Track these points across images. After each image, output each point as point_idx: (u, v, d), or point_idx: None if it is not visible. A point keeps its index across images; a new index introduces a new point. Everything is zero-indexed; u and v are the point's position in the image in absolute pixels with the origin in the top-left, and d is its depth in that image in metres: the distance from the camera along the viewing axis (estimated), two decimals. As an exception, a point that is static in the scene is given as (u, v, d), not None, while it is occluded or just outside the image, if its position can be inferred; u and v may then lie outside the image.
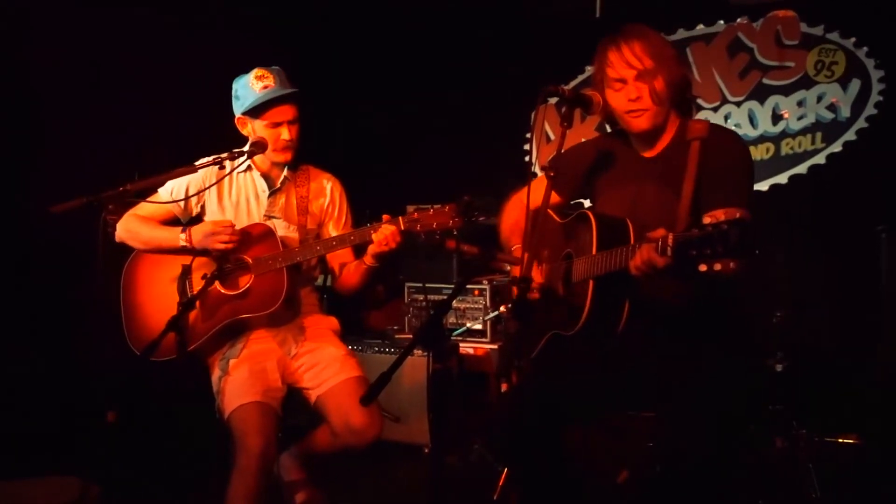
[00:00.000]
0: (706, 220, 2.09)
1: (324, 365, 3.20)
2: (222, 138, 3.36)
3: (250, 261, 3.15)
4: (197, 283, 3.06)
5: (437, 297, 5.27)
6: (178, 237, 3.19)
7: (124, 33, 4.56)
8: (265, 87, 3.18)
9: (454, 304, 5.29)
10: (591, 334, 2.56)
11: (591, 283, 2.53)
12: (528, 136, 6.21)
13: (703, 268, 2.09)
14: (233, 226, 3.13)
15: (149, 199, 3.10)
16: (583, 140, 3.06)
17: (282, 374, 3.19)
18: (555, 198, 2.95)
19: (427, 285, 5.36)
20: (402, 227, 3.04)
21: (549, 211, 2.92)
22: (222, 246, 3.10)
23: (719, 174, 2.52)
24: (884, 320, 4.56)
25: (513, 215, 3.07)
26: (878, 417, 4.47)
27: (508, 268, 3.02)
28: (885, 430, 4.38)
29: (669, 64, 2.62)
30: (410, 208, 5.69)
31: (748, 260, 2.07)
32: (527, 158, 6.19)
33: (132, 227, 3.27)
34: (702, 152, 2.55)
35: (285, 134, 3.20)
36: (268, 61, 3.31)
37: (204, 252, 3.16)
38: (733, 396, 2.52)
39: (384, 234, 3.03)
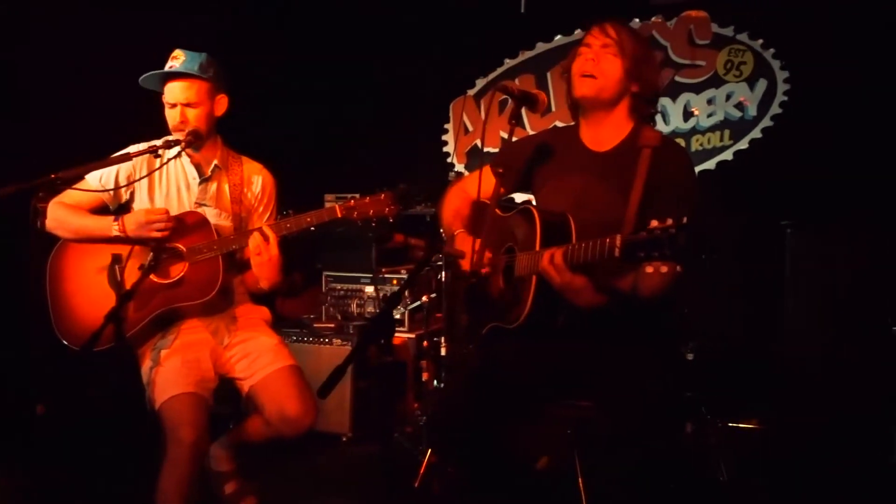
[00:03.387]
0: (654, 223, 2.16)
1: (256, 355, 3.18)
2: (158, 124, 3.30)
3: (184, 249, 3.11)
4: (129, 273, 3.01)
5: (353, 287, 5.33)
6: (111, 226, 3.12)
7: (58, 15, 4.42)
8: (170, 68, 3.17)
9: (373, 292, 5.33)
10: (532, 328, 2.62)
11: (534, 277, 2.58)
12: (446, 126, 6.27)
13: (649, 269, 2.17)
14: (167, 212, 3.09)
15: (77, 186, 3.02)
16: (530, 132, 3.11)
17: (214, 364, 3.16)
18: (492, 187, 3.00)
19: (345, 274, 5.38)
20: (340, 215, 3.08)
21: (487, 202, 2.98)
22: (158, 234, 3.05)
23: (668, 184, 2.59)
24: (786, 312, 4.77)
25: (454, 203, 3.09)
26: (778, 403, 4.71)
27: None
28: (785, 415, 4.62)
29: (639, 58, 2.69)
30: (329, 197, 5.77)
31: (692, 263, 2.15)
32: (444, 149, 6.24)
33: (60, 215, 3.18)
34: (652, 160, 2.60)
35: (176, 116, 3.16)
36: (192, 47, 3.27)
37: (138, 241, 3.11)
38: (666, 382, 2.62)
39: (256, 241, 3.07)
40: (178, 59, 3.17)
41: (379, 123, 6.17)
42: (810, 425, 4.50)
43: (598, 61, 2.68)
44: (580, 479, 3.47)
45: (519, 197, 3.25)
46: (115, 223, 3.13)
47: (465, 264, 2.73)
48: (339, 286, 5.42)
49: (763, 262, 5.01)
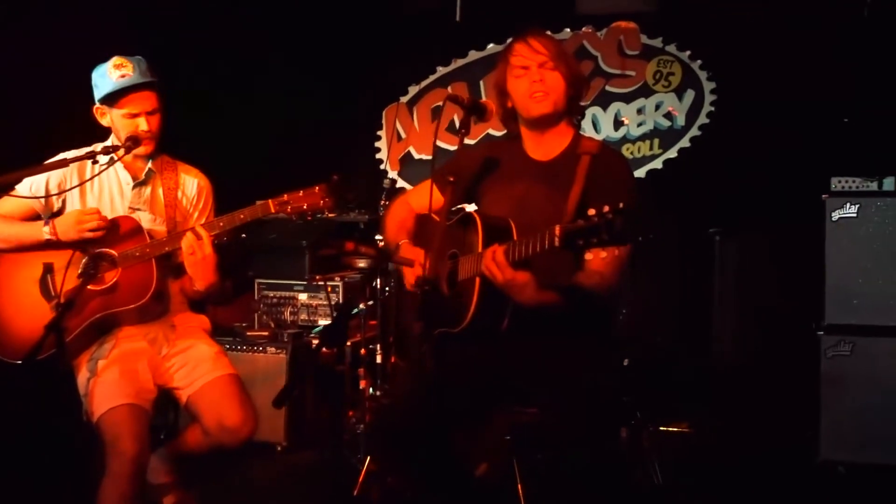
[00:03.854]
0: (591, 211, 2.21)
1: (195, 364, 3.13)
2: (79, 130, 3.25)
3: (116, 254, 3.04)
4: (62, 282, 2.93)
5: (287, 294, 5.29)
6: (41, 231, 3.04)
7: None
8: (122, 76, 3.08)
9: (307, 300, 5.29)
10: (477, 330, 2.63)
11: (477, 279, 2.60)
12: (379, 133, 6.26)
13: (589, 256, 2.23)
14: (98, 212, 3.02)
15: (10, 194, 2.93)
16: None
17: (153, 374, 3.09)
18: (441, 201, 3.01)
19: (278, 281, 5.33)
20: (274, 210, 3.04)
21: (432, 214, 3.00)
22: (90, 234, 2.98)
23: (607, 185, 2.64)
24: (714, 317, 4.90)
25: (398, 215, 3.13)
26: (708, 407, 4.82)
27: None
28: (714, 419, 4.73)
29: (570, 63, 2.79)
30: (259, 203, 5.68)
31: (632, 247, 2.20)
32: (377, 156, 6.24)
33: None
34: (591, 165, 2.68)
35: (143, 125, 3.09)
36: (122, 51, 3.22)
37: (72, 244, 3.02)
38: (609, 383, 2.67)
39: (189, 241, 3.00)
40: (127, 68, 3.09)
41: (311, 130, 6.12)
42: (739, 428, 4.63)
43: (544, 79, 2.74)
44: (519, 486, 3.52)
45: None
46: (46, 226, 3.04)
47: (415, 272, 2.74)
48: (271, 293, 5.36)
49: (693, 268, 5.12)
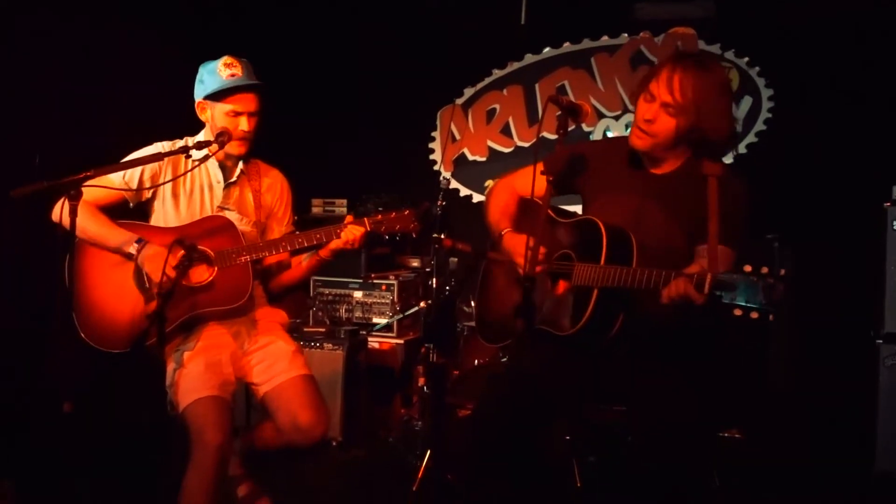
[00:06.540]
0: (747, 268, 2.17)
1: (272, 360, 3.21)
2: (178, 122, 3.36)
3: (212, 253, 3.10)
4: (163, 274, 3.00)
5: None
6: (130, 245, 3.07)
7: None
8: (232, 75, 3.18)
9: (362, 298, 5.36)
10: (583, 338, 2.65)
11: (595, 291, 2.60)
12: (433, 134, 6.31)
13: (737, 312, 2.20)
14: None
15: (99, 183, 2.96)
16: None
17: (234, 367, 3.15)
18: (545, 187, 3.00)
19: (334, 279, 5.41)
20: (369, 229, 3.18)
21: (547, 210, 3.01)
22: (156, 277, 2.99)
23: (729, 216, 2.54)
24: (772, 323, 4.86)
25: (502, 199, 3.08)
26: (763, 414, 4.80)
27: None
28: (769, 426, 4.71)
29: (703, 112, 2.59)
30: (316, 202, 5.77)
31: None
32: (431, 157, 6.29)
33: (80, 219, 2.99)
34: (720, 192, 2.54)
35: (244, 124, 3.18)
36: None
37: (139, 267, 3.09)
38: (710, 403, 2.70)
39: (353, 235, 3.17)
40: (237, 68, 3.19)
41: (366, 128, 6.20)
42: (794, 437, 4.61)
43: (655, 120, 2.64)
44: (578, 484, 3.56)
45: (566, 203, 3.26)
46: (136, 244, 3.07)
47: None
48: (327, 291, 5.44)
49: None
